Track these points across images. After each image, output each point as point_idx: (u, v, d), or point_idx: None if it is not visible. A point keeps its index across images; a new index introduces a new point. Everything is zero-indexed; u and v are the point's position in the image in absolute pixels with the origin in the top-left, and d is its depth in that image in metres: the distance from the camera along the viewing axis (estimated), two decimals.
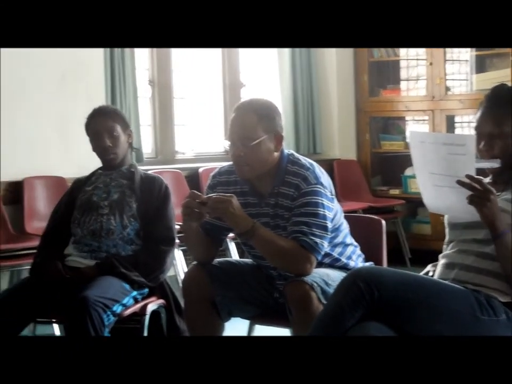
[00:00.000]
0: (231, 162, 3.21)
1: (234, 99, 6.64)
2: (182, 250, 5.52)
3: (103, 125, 3.66)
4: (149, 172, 3.86)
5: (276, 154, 3.14)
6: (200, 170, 6.22)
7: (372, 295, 2.54)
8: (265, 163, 3.12)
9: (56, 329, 4.79)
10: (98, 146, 3.68)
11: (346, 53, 7.40)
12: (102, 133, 3.65)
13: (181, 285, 3.62)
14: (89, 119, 3.73)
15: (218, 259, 3.32)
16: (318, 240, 3.01)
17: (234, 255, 5.68)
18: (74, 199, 3.73)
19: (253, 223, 2.99)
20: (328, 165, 6.73)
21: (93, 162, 3.89)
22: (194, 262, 3.29)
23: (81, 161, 5.37)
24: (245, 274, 3.30)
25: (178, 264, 5.56)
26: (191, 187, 5.79)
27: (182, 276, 5.27)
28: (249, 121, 3.08)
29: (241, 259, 3.56)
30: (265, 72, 7.22)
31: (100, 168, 3.82)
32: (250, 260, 3.36)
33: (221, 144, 6.09)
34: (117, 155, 3.69)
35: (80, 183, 3.81)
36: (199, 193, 2.98)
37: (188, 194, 3.02)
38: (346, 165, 7.32)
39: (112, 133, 3.65)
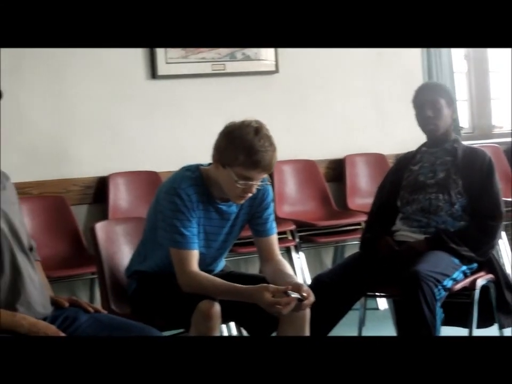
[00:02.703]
0: None
1: None
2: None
3: (426, 98, 3.74)
4: (472, 145, 3.86)
5: None
6: None
7: None
8: None
9: (381, 304, 4.92)
10: (420, 118, 3.75)
11: None
12: (425, 105, 3.72)
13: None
14: (415, 93, 3.81)
15: None
16: None
17: None
18: (400, 177, 3.81)
19: None
20: None
21: (412, 139, 3.97)
22: None
23: (399, 138, 5.46)
24: None
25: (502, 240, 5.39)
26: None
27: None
28: None
29: None
30: None
31: (423, 145, 3.86)
32: None
33: None
34: (437, 126, 3.72)
35: (405, 161, 3.88)
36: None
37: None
38: None
39: (435, 105, 3.71)
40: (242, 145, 3.01)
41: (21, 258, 2.71)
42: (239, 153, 3.01)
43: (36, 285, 2.73)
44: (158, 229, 3.16)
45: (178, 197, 3.09)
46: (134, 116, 4.94)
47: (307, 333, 3.13)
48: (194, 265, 3.09)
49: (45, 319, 2.68)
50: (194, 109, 5.11)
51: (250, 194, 3.09)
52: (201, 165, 3.21)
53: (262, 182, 3.13)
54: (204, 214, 3.15)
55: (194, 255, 3.09)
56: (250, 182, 3.04)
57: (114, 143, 4.89)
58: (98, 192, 4.82)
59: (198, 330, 2.98)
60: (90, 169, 4.82)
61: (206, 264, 3.21)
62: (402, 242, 3.61)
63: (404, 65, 5.72)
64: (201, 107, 5.12)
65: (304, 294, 2.96)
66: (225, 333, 4.20)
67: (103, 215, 4.69)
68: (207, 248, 3.20)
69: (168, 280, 3.11)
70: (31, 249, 2.86)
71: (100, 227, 3.42)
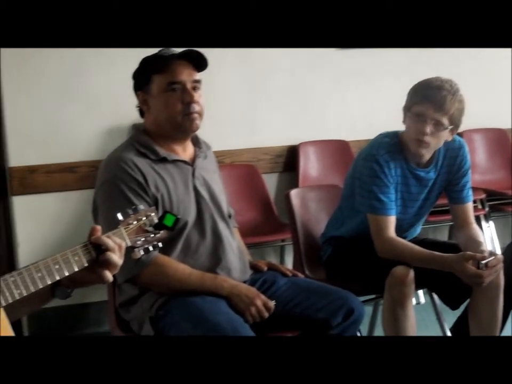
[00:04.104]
0: None
1: None
2: None
3: None
4: None
5: None
6: None
7: None
8: None
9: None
10: None
11: None
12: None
13: None
14: None
15: None
16: None
17: None
18: None
19: None
20: None
21: None
22: None
23: None
24: None
25: None
26: None
27: None
28: None
29: None
30: None
31: None
32: None
33: None
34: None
35: None
36: None
37: None
38: None
39: None
40: (420, 87, 3.03)
41: (221, 225, 2.84)
42: (416, 93, 3.03)
43: (235, 251, 2.85)
44: (355, 195, 3.20)
45: (376, 163, 3.11)
46: (323, 85, 4.98)
47: (500, 303, 3.09)
48: (392, 231, 3.11)
49: (244, 282, 2.80)
50: (383, 78, 5.09)
51: (426, 139, 3.06)
52: (399, 131, 3.21)
53: (454, 143, 3.13)
54: (401, 180, 3.16)
55: (391, 221, 3.12)
56: (421, 120, 3.02)
57: (304, 112, 4.96)
58: (288, 161, 4.92)
59: (392, 295, 3.01)
60: (281, 139, 4.91)
61: (402, 230, 3.22)
62: None
63: None
64: (390, 76, 5.09)
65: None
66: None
67: (293, 184, 4.78)
68: (403, 214, 3.21)
69: (364, 245, 3.16)
70: (229, 216, 2.99)
71: (294, 194, 3.51)
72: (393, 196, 3.13)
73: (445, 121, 3.02)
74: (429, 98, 2.99)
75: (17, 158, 4.38)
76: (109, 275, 1.92)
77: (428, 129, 3.01)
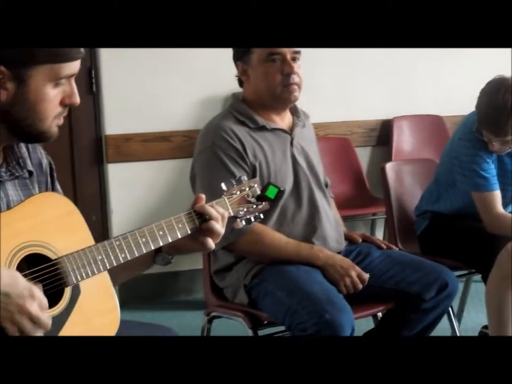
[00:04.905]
0: None
1: None
2: None
3: None
4: None
5: None
6: None
7: None
8: None
9: None
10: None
11: None
12: None
13: None
14: None
15: None
16: None
17: None
18: None
19: None
20: None
21: None
22: None
23: None
24: None
25: None
26: None
27: None
28: None
29: None
30: None
31: None
32: None
33: None
34: None
35: None
36: None
37: None
38: None
39: None
40: None
41: (318, 195, 2.84)
42: None
43: (331, 221, 2.85)
44: (455, 174, 3.17)
45: (470, 142, 3.07)
46: (419, 59, 4.91)
47: None
48: (499, 206, 3.07)
49: (339, 253, 2.79)
50: (477, 52, 4.98)
51: None
52: None
53: None
54: (496, 156, 3.12)
55: (497, 196, 3.08)
56: None
57: (399, 86, 4.90)
58: (382, 134, 4.88)
59: (501, 270, 2.96)
60: (375, 112, 4.87)
61: (504, 205, 3.18)
62: None
63: None
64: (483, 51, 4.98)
65: None
66: None
67: (386, 158, 4.74)
68: (503, 191, 3.16)
69: (466, 221, 3.12)
70: (326, 185, 2.98)
71: (389, 167, 3.48)
72: (494, 171, 3.10)
73: None
74: None
75: (113, 126, 4.46)
76: (211, 243, 1.94)
77: None
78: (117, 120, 4.46)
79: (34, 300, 1.59)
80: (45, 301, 1.63)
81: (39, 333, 1.61)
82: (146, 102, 4.47)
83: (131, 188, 4.52)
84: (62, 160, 4.31)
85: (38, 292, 1.61)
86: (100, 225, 4.48)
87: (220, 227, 1.93)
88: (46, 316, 1.62)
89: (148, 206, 4.52)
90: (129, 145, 4.47)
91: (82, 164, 4.52)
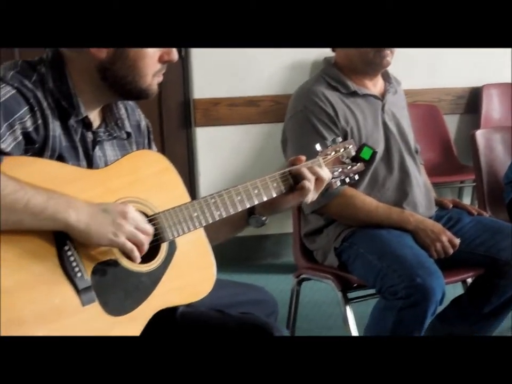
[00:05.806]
0: None
1: None
2: None
3: None
4: None
5: None
6: None
7: None
8: None
9: None
10: None
11: None
12: None
13: None
14: None
15: None
16: None
17: None
18: None
19: None
20: None
21: None
22: None
23: None
24: None
25: None
26: None
27: None
28: None
29: None
30: None
31: None
32: None
33: None
34: None
35: None
36: None
37: None
38: None
39: None
40: None
41: (409, 161, 2.84)
42: None
43: (421, 187, 2.85)
44: None
45: None
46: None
47: None
48: None
49: (429, 218, 2.79)
50: None
51: None
52: None
53: None
54: None
55: None
56: None
57: (488, 54, 4.80)
58: (470, 102, 4.82)
59: None
60: (464, 80, 4.81)
61: None
62: None
63: None
64: None
65: None
66: None
67: (474, 126, 4.69)
68: None
69: None
70: (416, 152, 2.98)
71: (479, 134, 3.45)
72: None
73: None
74: None
75: (201, 90, 4.51)
76: (309, 197, 1.96)
77: None
78: (205, 84, 4.51)
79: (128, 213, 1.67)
80: (139, 215, 1.70)
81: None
82: (234, 66, 4.50)
83: (218, 151, 4.58)
84: (151, 123, 4.36)
85: (129, 207, 1.68)
86: (187, 187, 4.54)
87: (312, 187, 1.94)
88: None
89: (234, 169, 4.58)
90: (217, 109, 4.52)
91: (170, 127, 4.59)
